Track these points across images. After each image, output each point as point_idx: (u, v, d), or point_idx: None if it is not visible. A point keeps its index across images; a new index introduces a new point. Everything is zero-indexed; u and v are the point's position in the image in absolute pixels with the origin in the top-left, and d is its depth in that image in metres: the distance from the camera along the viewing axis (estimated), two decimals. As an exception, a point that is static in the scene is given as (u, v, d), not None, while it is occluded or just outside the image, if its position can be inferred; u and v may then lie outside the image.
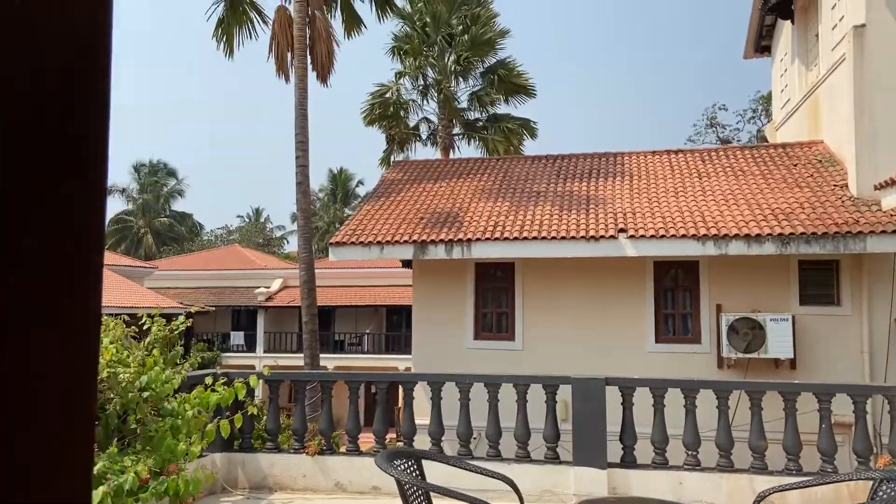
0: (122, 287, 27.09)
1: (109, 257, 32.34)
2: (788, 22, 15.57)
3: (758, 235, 11.06)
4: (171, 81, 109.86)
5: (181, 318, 6.75)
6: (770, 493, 4.21)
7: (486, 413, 7.21)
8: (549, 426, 7.00)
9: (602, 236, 11.66)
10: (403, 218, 12.98)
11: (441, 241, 12.02)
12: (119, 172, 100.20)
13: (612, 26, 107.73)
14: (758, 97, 37.76)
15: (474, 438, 7.39)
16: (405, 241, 12.13)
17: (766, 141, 17.15)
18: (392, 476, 4.00)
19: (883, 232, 10.57)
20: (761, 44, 17.43)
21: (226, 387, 6.29)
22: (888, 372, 11.13)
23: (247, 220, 73.62)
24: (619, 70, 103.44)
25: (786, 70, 16.04)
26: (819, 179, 12.46)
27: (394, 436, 8.16)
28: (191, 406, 6.11)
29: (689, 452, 6.59)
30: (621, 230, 11.78)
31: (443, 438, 7.30)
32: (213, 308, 33.44)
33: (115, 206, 68.48)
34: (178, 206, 66.49)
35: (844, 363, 11.34)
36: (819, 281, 11.78)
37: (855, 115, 11.76)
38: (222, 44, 17.57)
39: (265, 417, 8.02)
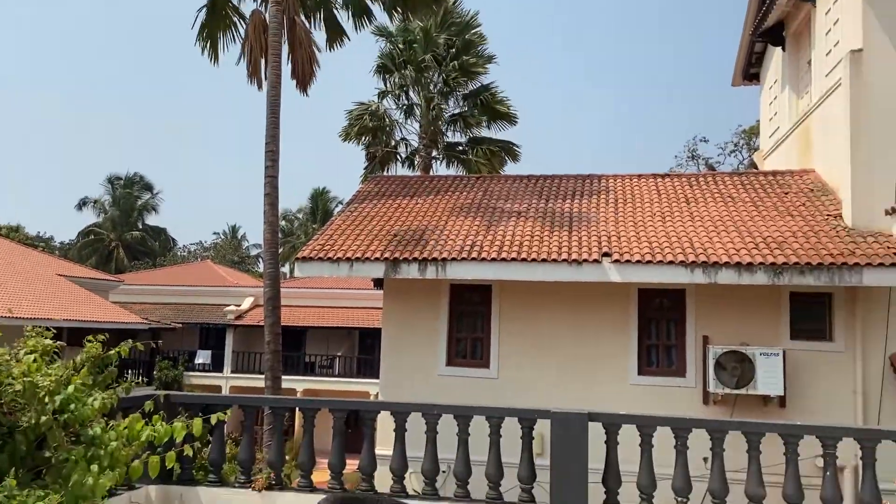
0: (82, 300, 25.96)
1: (73, 269, 31.19)
2: (779, 49, 15.24)
3: (749, 264, 10.49)
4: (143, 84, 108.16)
5: (122, 345, 5.83)
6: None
7: (455, 447, 6.47)
8: (525, 466, 6.27)
9: (585, 260, 11.02)
10: (376, 234, 12.24)
11: (414, 259, 11.28)
12: (92, 184, 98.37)
13: (601, 51, 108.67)
14: (739, 131, 37.79)
15: (443, 472, 6.65)
16: (376, 259, 11.37)
17: (756, 169, 16.73)
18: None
19: (881, 265, 10.04)
20: (750, 71, 17.11)
21: (165, 423, 5.39)
22: (881, 414, 10.55)
23: (222, 237, 72.46)
24: (605, 96, 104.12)
25: (775, 98, 15.69)
26: (811, 209, 11.96)
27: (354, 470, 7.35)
28: (117, 435, 5.26)
29: (679, 499, 5.89)
30: (605, 254, 11.15)
31: (406, 474, 6.54)
32: (180, 325, 32.38)
33: (86, 219, 67.03)
34: (153, 220, 65.24)
35: (836, 403, 10.75)
36: (811, 314, 11.21)
37: (851, 143, 11.30)
38: (206, 49, 16.94)
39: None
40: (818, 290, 11.03)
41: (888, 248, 10.40)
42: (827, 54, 12.49)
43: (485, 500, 6.29)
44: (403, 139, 24.78)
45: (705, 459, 6.02)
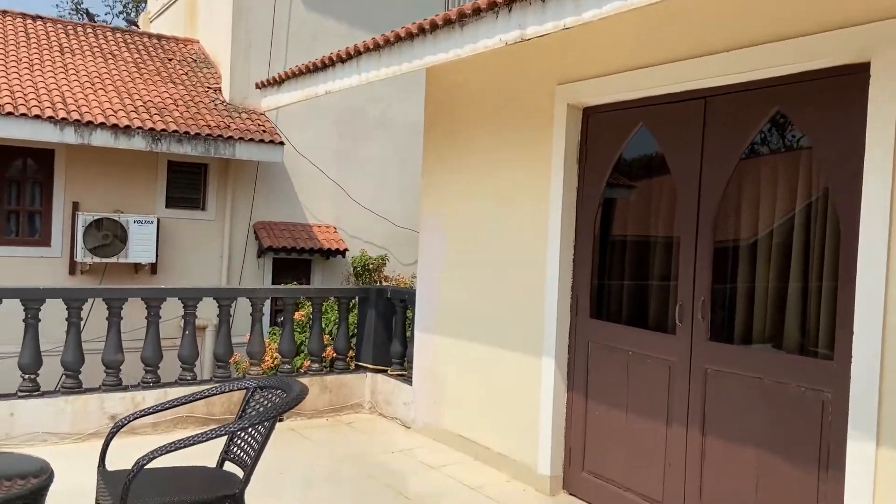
0: None
1: None
2: None
3: (127, 127, 9.94)
4: None
5: None
6: (130, 420, 3.38)
7: None
8: None
9: (-83, 101, 8.67)
10: None
11: None
12: None
13: None
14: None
15: None
16: None
17: (138, 29, 15.86)
18: None
19: (251, 140, 10.82)
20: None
21: None
22: (243, 275, 11.66)
23: None
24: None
25: (166, -41, 14.98)
26: (193, 79, 12.00)
27: None
28: None
29: (26, 376, 5.24)
30: (-52, 98, 9.01)
31: None
32: None
33: None
34: None
35: (205, 267, 11.37)
36: (187, 184, 11.42)
37: (233, 21, 11.65)
38: None
39: None
40: (195, 161, 11.26)
41: (259, 125, 11.27)
42: (218, -76, 12.40)
43: None
44: None
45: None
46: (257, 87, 6.50)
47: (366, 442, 5.55)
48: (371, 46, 4.69)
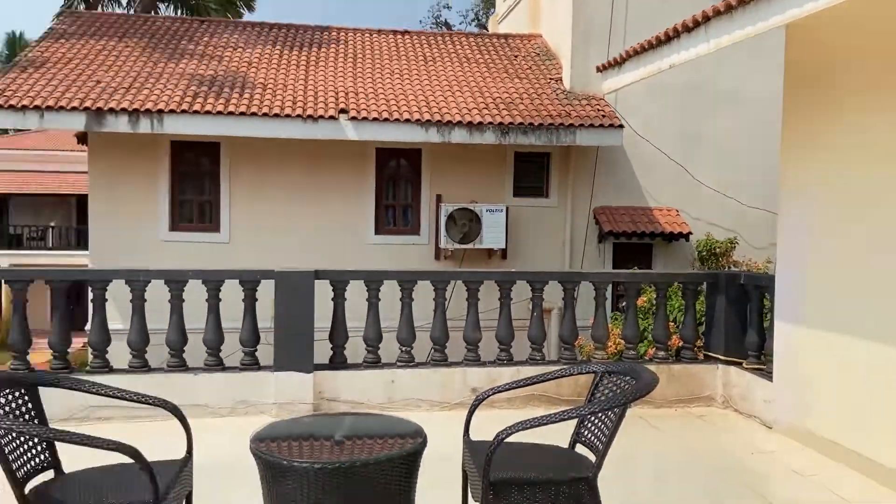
0: None
1: None
2: None
3: (479, 123, 10.76)
4: None
5: None
6: (490, 394, 3.63)
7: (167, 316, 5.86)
8: (247, 329, 5.88)
9: (321, 116, 10.48)
10: (74, 80, 10.40)
11: (123, 110, 9.81)
12: None
13: None
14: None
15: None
16: (74, 108, 9.69)
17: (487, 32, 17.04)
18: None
19: (591, 125, 10.91)
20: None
21: None
22: (584, 259, 11.84)
23: None
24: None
25: (511, -39, 15.82)
26: (536, 72, 12.51)
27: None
28: None
29: (403, 348, 5.99)
30: (342, 111, 10.70)
31: (108, 349, 5.82)
32: None
33: None
34: None
35: (548, 252, 11.81)
36: (532, 173, 11.98)
37: (573, 11, 11.85)
38: None
39: None
40: (538, 150, 11.75)
41: (598, 110, 11.30)
42: (558, -83, 12.67)
43: (203, 367, 5.85)
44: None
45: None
46: (598, 70, 6.50)
47: (719, 438, 5.20)
48: (721, 9, 4.35)
